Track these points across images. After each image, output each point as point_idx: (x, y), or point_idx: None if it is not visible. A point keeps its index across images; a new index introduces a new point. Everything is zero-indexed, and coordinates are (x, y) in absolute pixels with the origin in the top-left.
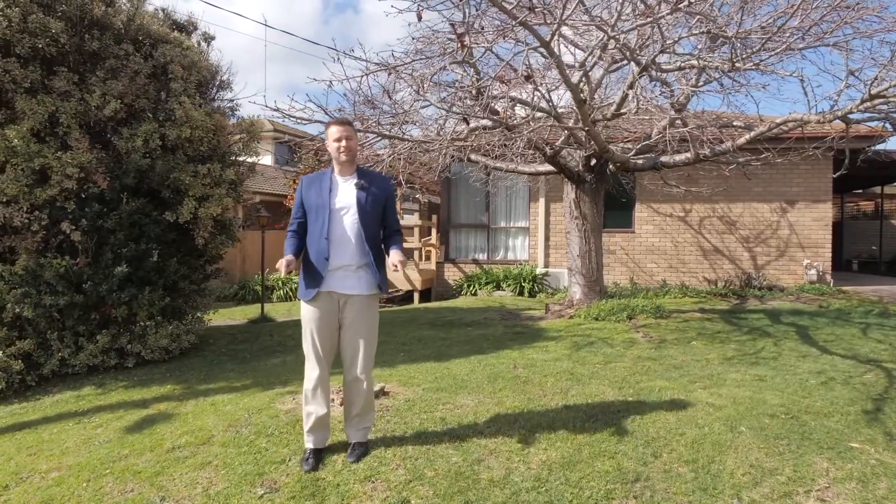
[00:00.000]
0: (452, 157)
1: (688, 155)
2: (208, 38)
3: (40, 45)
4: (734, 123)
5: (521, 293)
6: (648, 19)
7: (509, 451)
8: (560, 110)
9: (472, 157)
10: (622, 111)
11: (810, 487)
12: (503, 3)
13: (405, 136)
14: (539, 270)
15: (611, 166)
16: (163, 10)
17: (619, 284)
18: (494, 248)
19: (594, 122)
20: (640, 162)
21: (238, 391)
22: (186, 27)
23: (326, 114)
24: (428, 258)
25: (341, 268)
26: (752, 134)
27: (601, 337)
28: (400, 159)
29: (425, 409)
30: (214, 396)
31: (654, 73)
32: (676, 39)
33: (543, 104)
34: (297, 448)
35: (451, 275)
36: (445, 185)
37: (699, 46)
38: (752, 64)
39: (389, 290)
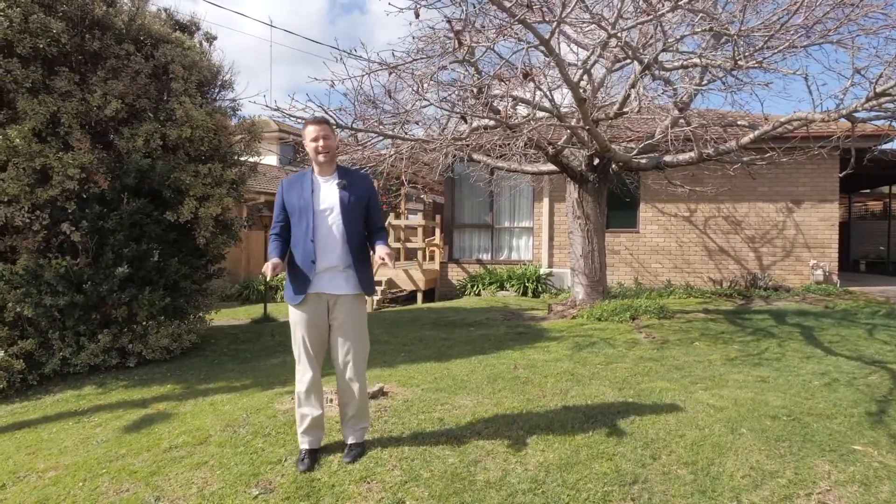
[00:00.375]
0: (454, 156)
1: (691, 154)
2: (210, 38)
3: (41, 46)
4: (738, 122)
5: (524, 293)
6: (649, 17)
7: (506, 452)
8: (563, 110)
9: (475, 156)
10: (624, 110)
11: (811, 490)
12: (502, 1)
13: (405, 136)
14: (543, 270)
15: (613, 166)
16: (165, 10)
17: (624, 285)
18: (498, 248)
19: (596, 122)
20: (643, 161)
21: (237, 391)
22: (189, 27)
23: (327, 113)
24: (432, 258)
25: (329, 269)
26: (757, 133)
27: (603, 337)
28: (402, 159)
29: (423, 410)
30: (214, 396)
31: (656, 71)
32: (679, 38)
33: (545, 103)
34: (294, 448)
35: (455, 275)
36: (449, 185)
37: (703, 45)
38: (754, 62)
39: (393, 290)
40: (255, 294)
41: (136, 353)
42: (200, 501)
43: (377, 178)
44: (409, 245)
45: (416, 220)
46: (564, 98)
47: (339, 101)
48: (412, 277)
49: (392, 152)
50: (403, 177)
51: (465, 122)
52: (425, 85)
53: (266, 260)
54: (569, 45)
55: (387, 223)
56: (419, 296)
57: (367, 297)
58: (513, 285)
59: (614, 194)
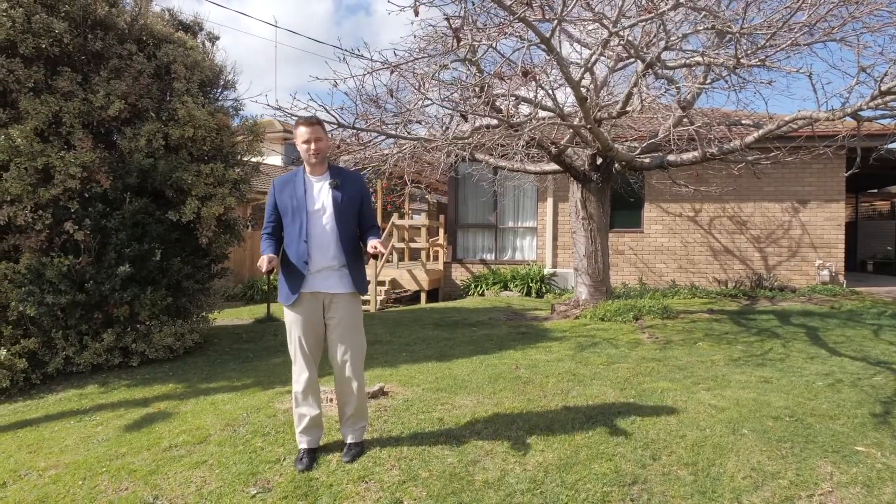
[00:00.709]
0: (457, 156)
1: (695, 153)
2: (213, 38)
3: (44, 46)
4: (742, 122)
5: (528, 293)
6: (651, 15)
7: (506, 452)
8: (567, 109)
9: (478, 155)
10: (627, 109)
11: (813, 492)
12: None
13: (406, 135)
14: (547, 271)
15: (616, 165)
16: (168, 10)
17: (628, 285)
18: (502, 248)
19: (599, 121)
20: (647, 161)
21: (238, 390)
22: (192, 27)
23: (328, 112)
24: (435, 258)
25: (323, 269)
26: (761, 132)
27: (606, 338)
28: (404, 158)
29: (423, 410)
30: (215, 395)
31: (659, 70)
32: (681, 36)
33: (547, 102)
34: (293, 448)
35: (459, 275)
36: (453, 185)
37: (707, 43)
38: (757, 60)
39: (397, 291)
40: (258, 294)
41: (139, 353)
42: (198, 500)
43: (380, 178)
44: (412, 245)
45: (420, 220)
46: (568, 97)
47: (342, 100)
48: (416, 277)
49: (395, 151)
50: (406, 176)
51: (466, 120)
52: (426, 84)
53: (253, 262)
54: (571, 45)
55: (391, 223)
56: (423, 296)
57: (361, 296)
58: (516, 285)
59: (618, 194)
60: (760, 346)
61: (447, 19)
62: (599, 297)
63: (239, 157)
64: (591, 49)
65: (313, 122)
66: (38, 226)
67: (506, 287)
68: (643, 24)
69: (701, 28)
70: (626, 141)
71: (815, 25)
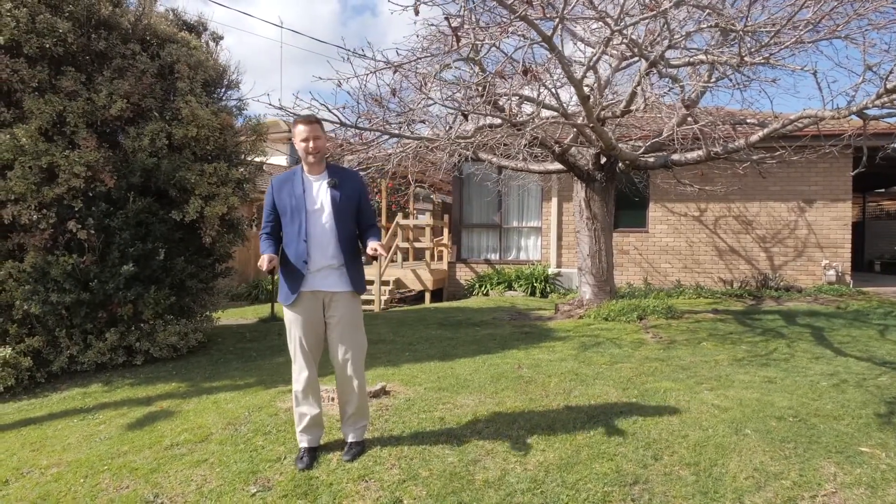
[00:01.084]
0: (460, 155)
1: (699, 152)
2: (217, 38)
3: (48, 45)
4: (747, 120)
5: (532, 293)
6: (653, 13)
7: (506, 451)
8: (571, 108)
9: (482, 155)
10: (631, 108)
11: (816, 492)
12: None
13: (408, 134)
14: (551, 270)
15: (620, 164)
16: (173, 10)
17: (633, 285)
18: (506, 248)
19: (602, 120)
20: (651, 160)
21: (241, 389)
22: (196, 27)
23: (330, 111)
24: (440, 258)
25: (322, 268)
26: (766, 131)
27: (609, 337)
28: (408, 158)
29: (425, 409)
30: (217, 394)
31: (662, 69)
32: (685, 35)
33: (549, 100)
34: (294, 446)
35: (463, 275)
36: (457, 185)
37: (711, 42)
38: (761, 58)
39: (401, 290)
40: (263, 294)
41: (142, 352)
42: (199, 499)
43: (384, 178)
44: (417, 245)
45: (425, 219)
46: (571, 97)
47: (346, 100)
48: (420, 277)
49: (398, 151)
50: (410, 176)
51: (467, 119)
52: (429, 83)
53: (259, 261)
54: (575, 43)
55: (395, 223)
56: (427, 296)
57: (361, 295)
58: (521, 285)
59: (623, 194)
60: (765, 346)
61: (447, 18)
62: (603, 296)
63: (242, 156)
64: (594, 48)
65: (311, 120)
66: (42, 224)
67: (510, 287)
68: (646, 22)
69: (705, 26)
70: (631, 140)
71: (820, 23)
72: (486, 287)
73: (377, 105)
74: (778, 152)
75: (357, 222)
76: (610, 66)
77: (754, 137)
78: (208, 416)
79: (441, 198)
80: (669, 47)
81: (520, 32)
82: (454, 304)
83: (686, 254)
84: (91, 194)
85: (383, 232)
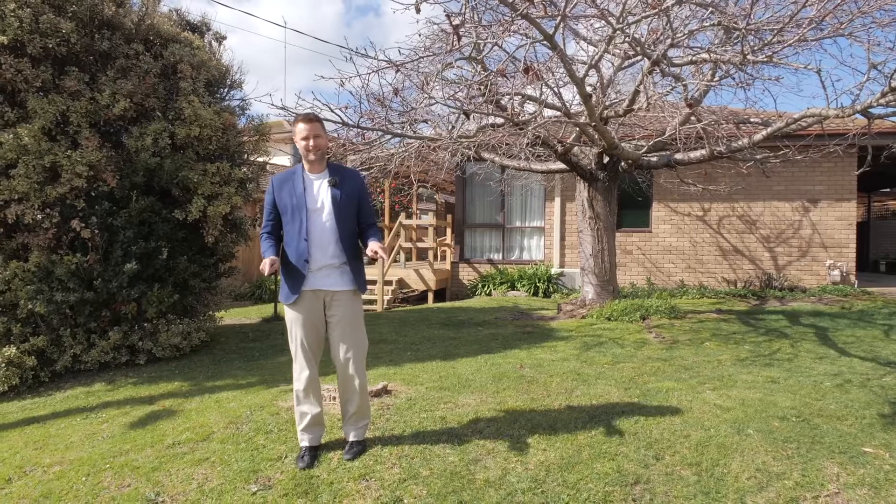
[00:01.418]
0: (462, 154)
1: (703, 152)
2: (220, 38)
3: (51, 45)
4: (751, 119)
5: (535, 293)
6: (655, 11)
7: (508, 451)
8: (574, 108)
9: (484, 154)
10: (633, 107)
11: (818, 493)
12: None
13: (410, 134)
14: (554, 270)
15: (623, 164)
16: (176, 10)
17: (636, 285)
18: (509, 248)
19: (605, 119)
20: (654, 159)
21: (243, 388)
22: (199, 27)
23: (332, 111)
24: (443, 258)
25: (323, 267)
26: (770, 130)
27: (612, 337)
28: (410, 158)
29: (426, 408)
30: (219, 393)
31: (665, 67)
32: (687, 33)
33: (552, 100)
34: (295, 445)
35: (466, 275)
36: (460, 185)
37: (714, 40)
38: (764, 56)
39: (404, 290)
40: (266, 293)
41: (146, 351)
42: (199, 497)
43: (387, 178)
44: (420, 245)
45: (428, 219)
46: (574, 96)
47: (348, 100)
48: (423, 277)
49: (401, 151)
50: (413, 176)
51: (468, 118)
52: (431, 83)
53: (260, 261)
54: (577, 42)
55: (398, 223)
56: (430, 296)
57: (361, 294)
58: (524, 285)
59: (627, 193)
60: (768, 346)
61: (448, 16)
62: (606, 296)
63: (245, 156)
64: (596, 47)
65: (312, 118)
66: (45, 224)
67: (513, 287)
68: (649, 20)
69: (707, 24)
70: (634, 139)
71: (824, 21)
72: (488, 287)
73: (379, 104)
74: (782, 151)
75: (357, 221)
76: (612, 65)
77: (758, 136)
78: (210, 414)
79: (444, 198)
80: (672, 46)
81: (522, 31)
82: (457, 304)
83: (689, 254)
84: (94, 194)
85: (386, 232)
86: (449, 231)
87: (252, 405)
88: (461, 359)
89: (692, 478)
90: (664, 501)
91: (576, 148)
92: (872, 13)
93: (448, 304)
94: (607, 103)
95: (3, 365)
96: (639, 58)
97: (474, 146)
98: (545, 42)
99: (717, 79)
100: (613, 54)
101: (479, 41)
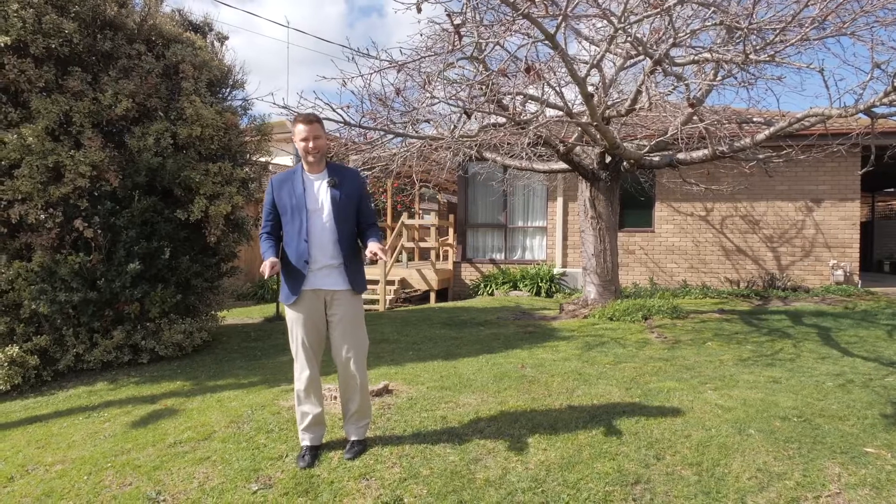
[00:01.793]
0: (464, 154)
1: (705, 151)
2: (222, 38)
3: (54, 46)
4: (754, 119)
5: (538, 293)
6: (657, 10)
7: (508, 450)
8: (577, 108)
9: (486, 154)
10: (636, 107)
11: (820, 493)
12: None
13: (412, 133)
14: (556, 270)
15: (625, 163)
16: (178, 10)
17: (639, 285)
18: (512, 247)
19: (608, 119)
20: (656, 159)
21: (244, 388)
22: (201, 27)
23: (334, 111)
24: (445, 258)
25: (324, 267)
26: (772, 129)
27: (614, 337)
28: (412, 157)
29: (427, 408)
30: (221, 393)
31: (668, 67)
32: (689, 33)
33: (553, 99)
34: (296, 444)
35: (468, 275)
36: (462, 185)
37: (717, 40)
38: (766, 56)
39: (406, 290)
40: (269, 293)
41: (148, 350)
42: (200, 496)
43: (389, 178)
44: (422, 245)
45: (430, 219)
46: (577, 96)
47: (350, 100)
48: (425, 277)
49: (402, 150)
50: (415, 176)
51: (469, 117)
52: (432, 82)
53: (262, 262)
54: (579, 42)
55: (400, 222)
56: (432, 295)
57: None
58: (526, 285)
59: (629, 193)
60: (771, 346)
61: (448, 15)
62: (608, 296)
63: (247, 156)
64: (598, 46)
65: (312, 119)
66: (49, 224)
67: (515, 287)
68: (651, 20)
69: (710, 24)
70: (636, 139)
71: (826, 20)
72: (491, 287)
73: (381, 104)
74: (785, 151)
75: (357, 221)
76: (614, 64)
77: (760, 136)
78: (212, 414)
79: (446, 197)
80: (674, 45)
81: (523, 31)
82: (459, 303)
83: (692, 254)
84: (97, 193)
85: (388, 232)
86: (451, 231)
87: (253, 404)
88: (463, 358)
89: (693, 478)
90: (664, 501)
91: (578, 148)
92: (875, 12)
93: (450, 303)
94: (609, 103)
95: (6, 364)
96: (641, 57)
97: (476, 146)
98: (547, 42)
99: (719, 78)
100: (615, 54)
101: (481, 41)
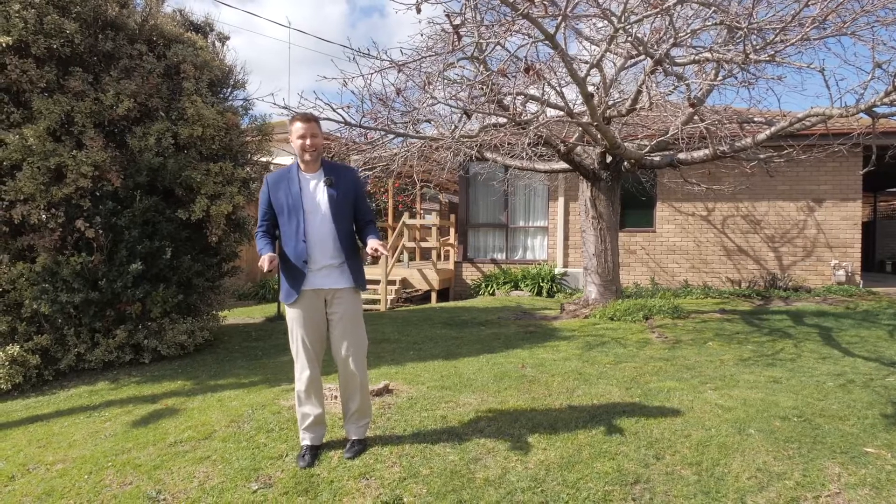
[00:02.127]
0: (465, 154)
1: (706, 151)
2: (223, 39)
3: (56, 46)
4: (754, 119)
5: (539, 293)
6: (656, 10)
7: (508, 450)
8: (578, 108)
9: (487, 154)
10: (636, 106)
11: (819, 493)
12: None
13: (413, 133)
14: (558, 270)
15: (626, 164)
16: (179, 11)
17: (640, 285)
18: (513, 247)
19: (608, 119)
20: (657, 159)
21: (245, 387)
22: (202, 28)
23: (335, 111)
24: (446, 258)
25: (323, 267)
26: (773, 129)
27: (614, 337)
28: (413, 157)
29: (427, 408)
30: (222, 392)
31: (668, 67)
32: (690, 33)
33: (554, 99)
34: (296, 444)
35: (470, 274)
36: (464, 185)
37: (717, 40)
38: (767, 56)
39: (407, 290)
40: (270, 293)
41: (150, 350)
42: (200, 495)
43: (390, 178)
44: (423, 245)
45: (431, 219)
46: (577, 96)
47: (351, 100)
48: (426, 277)
49: (403, 150)
50: (415, 176)
51: (469, 117)
52: (433, 82)
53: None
54: (580, 42)
55: (401, 222)
56: (433, 295)
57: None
58: (527, 285)
59: (630, 193)
60: (771, 346)
61: (448, 16)
62: (609, 296)
63: (248, 156)
64: (599, 46)
65: (309, 118)
66: (51, 224)
67: (516, 287)
68: (651, 20)
69: (710, 24)
70: (636, 139)
71: (827, 20)
72: (492, 287)
73: (382, 104)
74: (786, 151)
75: (354, 219)
76: (615, 64)
77: (761, 136)
78: (212, 413)
79: (447, 197)
80: (674, 45)
81: (524, 31)
82: (460, 303)
83: (694, 253)
84: (98, 193)
85: (390, 232)
86: (452, 231)
87: (254, 404)
88: (463, 358)
89: (692, 477)
90: (664, 501)
91: (578, 147)
92: (876, 12)
93: (451, 303)
94: (610, 103)
95: (8, 363)
96: (641, 57)
97: (477, 146)
98: (547, 42)
99: (720, 78)
100: (616, 54)
101: (481, 41)
